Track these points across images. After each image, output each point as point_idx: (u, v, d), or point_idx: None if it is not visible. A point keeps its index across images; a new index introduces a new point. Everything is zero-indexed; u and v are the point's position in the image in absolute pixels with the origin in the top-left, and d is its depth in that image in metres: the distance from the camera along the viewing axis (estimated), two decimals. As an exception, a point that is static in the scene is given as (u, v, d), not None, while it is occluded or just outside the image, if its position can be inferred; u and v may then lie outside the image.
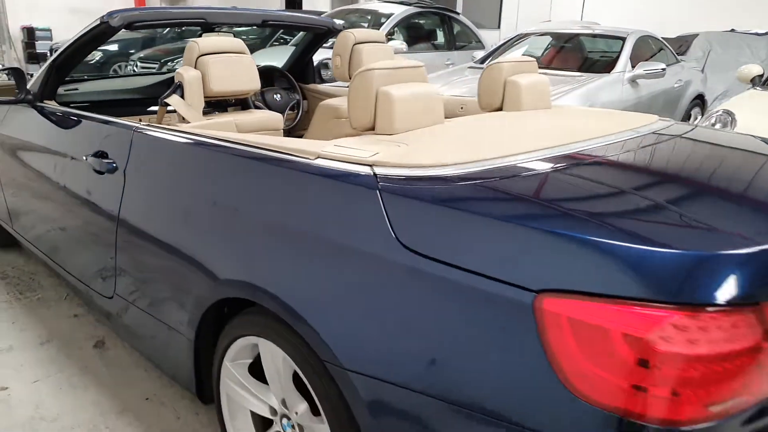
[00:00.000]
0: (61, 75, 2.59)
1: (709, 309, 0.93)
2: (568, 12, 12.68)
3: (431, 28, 7.98)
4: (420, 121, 1.68)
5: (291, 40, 5.98)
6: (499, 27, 12.24)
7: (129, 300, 1.98)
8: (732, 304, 0.94)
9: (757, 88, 4.30)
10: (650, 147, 1.60)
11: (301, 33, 3.48)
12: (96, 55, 7.52)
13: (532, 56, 6.40)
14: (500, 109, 2.14)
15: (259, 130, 2.38)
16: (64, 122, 2.36)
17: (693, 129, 1.87)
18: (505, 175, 1.27)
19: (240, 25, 3.05)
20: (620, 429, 0.95)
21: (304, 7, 14.35)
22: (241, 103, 2.64)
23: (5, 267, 3.20)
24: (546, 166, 1.35)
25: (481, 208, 1.13)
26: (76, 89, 2.88)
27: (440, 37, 7.96)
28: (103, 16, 2.31)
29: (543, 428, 1.01)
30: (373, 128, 1.68)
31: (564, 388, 0.98)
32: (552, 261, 1.01)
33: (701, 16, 9.57)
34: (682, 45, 8.56)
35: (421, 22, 7.88)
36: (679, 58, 6.68)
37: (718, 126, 3.76)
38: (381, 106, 1.65)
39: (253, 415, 1.67)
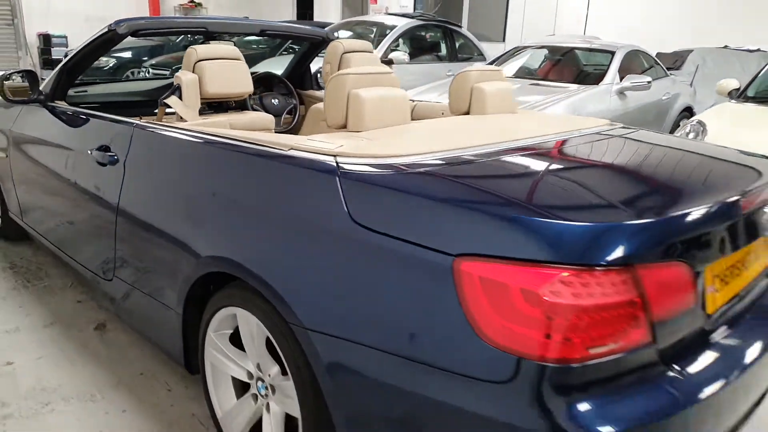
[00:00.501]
0: (72, 77, 2.81)
1: (591, 269, 1.11)
2: (572, 26, 12.92)
3: (434, 41, 8.22)
4: (387, 120, 1.88)
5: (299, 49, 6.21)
6: (503, 40, 12.48)
7: (127, 281, 2.19)
8: (610, 266, 1.13)
9: (733, 100, 4.47)
10: (584, 143, 1.79)
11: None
12: (111, 62, 7.84)
13: (529, 69, 6.62)
14: (468, 112, 2.34)
15: (250, 130, 2.59)
16: (72, 121, 2.58)
17: (632, 132, 2.06)
18: (442, 163, 1.47)
19: (239, 35, 3.27)
20: (520, 368, 1.13)
21: (315, 18, 14.68)
22: (241, 106, 2.85)
23: (15, 258, 3.42)
24: (480, 157, 1.54)
25: (417, 190, 1.33)
26: (86, 91, 3.11)
27: (443, 49, 8.19)
28: (110, 24, 2.53)
29: (463, 371, 1.19)
30: (345, 126, 1.88)
31: (476, 336, 1.17)
32: (468, 231, 1.21)
33: (699, 33, 9.76)
34: (677, 60, 8.75)
35: (425, 34, 8.13)
36: (669, 72, 6.87)
37: (691, 135, 3.93)
38: (352, 106, 1.85)
39: (234, 380, 1.86)
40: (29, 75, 2.80)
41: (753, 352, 1.41)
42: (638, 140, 1.94)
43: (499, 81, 2.38)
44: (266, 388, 1.71)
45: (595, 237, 1.15)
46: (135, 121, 2.17)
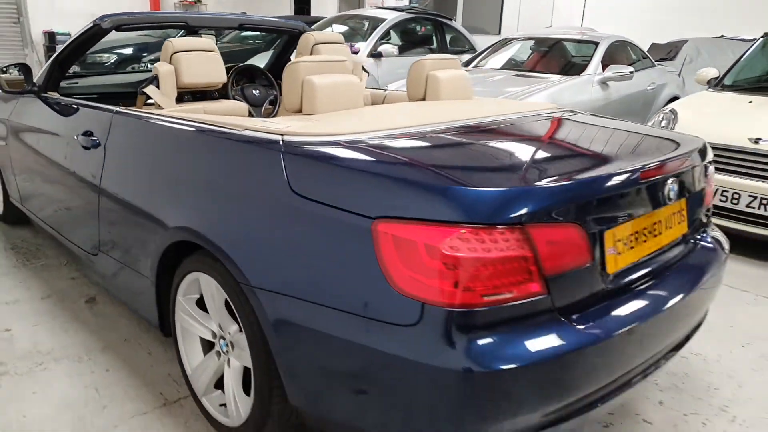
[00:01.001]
0: (63, 70, 3.02)
1: (485, 227, 1.30)
2: (569, 18, 12.99)
3: (425, 34, 8.38)
4: (339, 104, 2.07)
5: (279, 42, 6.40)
6: (499, 33, 12.57)
7: (110, 255, 2.40)
8: (503, 225, 1.31)
9: (710, 89, 4.61)
10: (515, 123, 1.98)
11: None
12: (112, 58, 8.10)
13: (517, 60, 6.76)
14: (424, 98, 2.52)
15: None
16: (62, 110, 2.79)
17: (572, 114, 2.24)
18: (372, 140, 1.66)
19: (219, 29, 3.46)
20: (424, 313, 1.32)
21: (313, 12, 14.85)
22: (223, 96, 3.05)
23: (16, 240, 3.65)
24: (408, 135, 1.73)
25: (345, 163, 1.52)
26: (77, 83, 3.32)
27: (434, 42, 8.35)
28: (95, 20, 2.73)
29: (380, 318, 1.38)
30: (300, 110, 2.07)
31: (390, 287, 1.36)
32: (384, 196, 1.40)
33: (699, 23, 9.82)
34: (671, 50, 8.85)
35: (416, 27, 8.29)
36: (659, 63, 6.98)
37: (663, 123, 4.09)
38: (306, 91, 2.04)
39: (201, 341, 2.06)
40: (24, 68, 3.01)
41: (650, 310, 1.58)
42: (571, 120, 2.12)
43: (454, 69, 2.56)
44: (227, 345, 1.91)
45: (489, 200, 1.33)
46: (114, 108, 2.37)
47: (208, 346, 2.05)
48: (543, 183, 1.42)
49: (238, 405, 1.85)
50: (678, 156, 1.74)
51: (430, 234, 1.32)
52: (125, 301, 2.43)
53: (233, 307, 1.77)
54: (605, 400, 1.52)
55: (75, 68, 3.73)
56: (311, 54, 3.09)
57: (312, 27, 8.26)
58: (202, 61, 2.63)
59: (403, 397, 1.39)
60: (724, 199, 3.55)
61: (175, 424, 2.03)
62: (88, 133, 2.43)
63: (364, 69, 3.33)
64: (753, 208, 3.45)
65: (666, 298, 1.63)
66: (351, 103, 2.10)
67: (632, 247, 1.61)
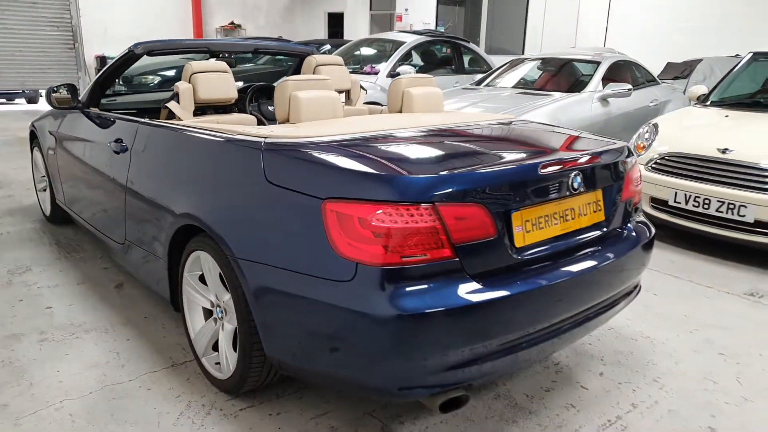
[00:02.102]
0: (103, 89, 3.53)
1: (404, 205, 1.67)
2: (594, 39, 13.24)
3: (444, 55, 8.81)
4: (320, 115, 2.48)
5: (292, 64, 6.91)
6: (523, 53, 12.92)
7: (134, 243, 2.85)
8: (417, 203, 1.68)
9: (698, 105, 4.86)
10: (463, 129, 2.35)
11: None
12: (156, 79, 8.81)
13: (529, 80, 7.09)
14: (401, 111, 2.91)
15: None
16: (100, 122, 3.29)
17: (521, 122, 2.59)
18: (333, 140, 2.05)
19: (236, 53, 3.93)
20: (358, 271, 1.69)
21: (345, 36, 15.51)
22: (242, 111, 3.50)
23: (60, 237, 4.17)
24: (365, 137, 2.11)
25: (306, 156, 1.92)
26: (115, 100, 3.84)
27: (453, 63, 8.77)
28: (130, 46, 3.23)
29: (327, 276, 1.76)
30: (288, 119, 2.49)
31: (334, 252, 1.74)
32: (332, 182, 1.79)
33: (714, 43, 9.98)
34: (685, 69, 9.03)
35: (436, 49, 8.74)
36: (665, 80, 7.21)
37: (646, 135, 4.36)
38: (292, 104, 2.46)
39: (203, 310, 2.47)
40: (70, 87, 3.53)
41: (555, 278, 1.91)
42: (511, 126, 2.49)
43: (428, 86, 2.95)
44: (222, 312, 2.31)
45: (407, 184, 1.71)
46: (140, 119, 2.84)
47: (207, 314, 2.46)
48: (451, 172, 1.79)
49: (228, 360, 2.25)
50: (581, 154, 2.08)
51: (362, 210, 1.70)
52: (145, 281, 2.87)
53: (225, 278, 2.17)
54: (513, 351, 1.85)
55: (122, 88, 4.29)
56: (314, 73, 3.53)
57: (338, 50, 8.80)
58: (216, 80, 3.08)
59: (345, 338, 1.76)
60: (696, 204, 3.80)
61: (180, 380, 2.43)
62: (118, 140, 2.90)
63: (362, 87, 3.74)
64: (722, 212, 3.69)
65: (572, 271, 1.96)
66: (331, 113, 2.51)
67: (542, 228, 1.95)
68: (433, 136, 2.25)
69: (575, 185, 2.02)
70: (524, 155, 2.02)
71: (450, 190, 1.73)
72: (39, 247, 3.97)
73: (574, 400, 2.31)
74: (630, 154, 2.33)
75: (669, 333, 2.89)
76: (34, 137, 4.40)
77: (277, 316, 1.96)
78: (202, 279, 2.42)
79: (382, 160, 1.85)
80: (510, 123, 2.57)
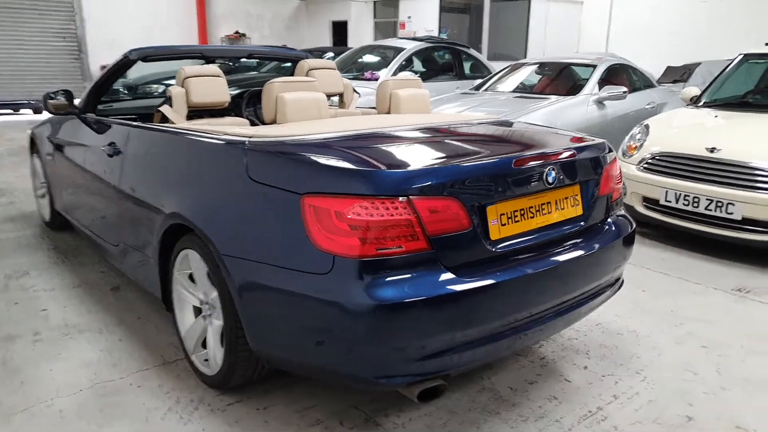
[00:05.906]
0: (99, 94, 3.60)
1: (380, 198, 1.71)
2: (596, 44, 13.29)
3: (445, 61, 8.88)
4: (305, 115, 2.54)
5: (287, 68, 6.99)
6: (525, 58, 12.96)
7: (127, 244, 2.90)
8: (391, 196, 1.72)
9: (690, 106, 4.88)
10: (441, 128, 2.40)
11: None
12: (159, 88, 8.92)
13: (528, 84, 7.14)
14: (389, 112, 2.96)
15: None
16: (95, 127, 3.35)
17: (498, 121, 2.63)
18: (313, 139, 2.09)
19: (230, 58, 4.00)
20: (335, 263, 1.73)
21: (349, 43, 15.63)
22: (238, 116, 3.56)
23: (58, 242, 4.24)
24: (345, 136, 2.16)
25: (287, 154, 1.96)
26: (111, 106, 3.91)
27: (455, 69, 8.84)
28: (125, 53, 3.30)
29: (306, 269, 1.80)
30: (275, 120, 2.54)
31: (312, 245, 1.78)
32: (310, 177, 1.83)
33: (714, 46, 10.00)
34: (684, 72, 9.07)
35: (437, 55, 8.82)
36: (662, 83, 7.23)
37: (638, 136, 4.39)
38: (279, 106, 2.52)
39: (194, 308, 2.51)
40: (66, 93, 3.60)
41: (532, 270, 1.94)
42: (492, 125, 2.53)
43: (414, 88, 3.00)
44: (210, 309, 2.35)
45: (381, 179, 1.75)
46: (132, 123, 2.90)
47: (197, 312, 2.50)
48: (424, 167, 1.83)
49: (216, 356, 2.29)
50: (555, 150, 2.11)
51: (338, 204, 1.75)
52: (139, 281, 2.92)
53: (212, 275, 2.21)
54: (489, 341, 1.88)
55: (126, 96, 4.37)
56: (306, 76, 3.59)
57: (340, 56, 8.87)
58: (208, 84, 3.14)
59: (324, 329, 1.81)
60: (686, 203, 3.82)
61: (170, 377, 2.48)
62: (112, 144, 2.96)
63: (354, 90, 3.79)
64: (710, 210, 3.71)
65: (548, 263, 1.99)
66: (316, 114, 2.56)
67: (518, 221, 1.98)
68: (413, 134, 2.30)
69: (550, 180, 2.05)
70: (500, 151, 2.06)
71: (424, 183, 1.77)
72: (37, 251, 4.04)
73: (557, 393, 2.33)
74: (609, 150, 2.36)
75: (654, 327, 2.91)
76: (33, 144, 4.49)
77: (260, 310, 2.00)
78: (191, 278, 2.47)
79: (358, 156, 1.90)
80: (492, 122, 2.61)
